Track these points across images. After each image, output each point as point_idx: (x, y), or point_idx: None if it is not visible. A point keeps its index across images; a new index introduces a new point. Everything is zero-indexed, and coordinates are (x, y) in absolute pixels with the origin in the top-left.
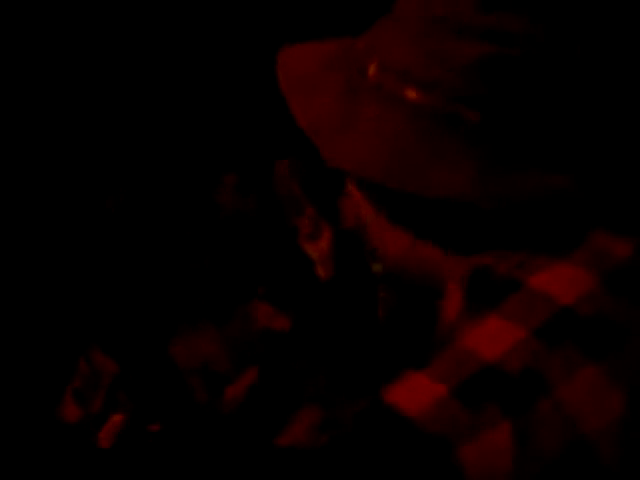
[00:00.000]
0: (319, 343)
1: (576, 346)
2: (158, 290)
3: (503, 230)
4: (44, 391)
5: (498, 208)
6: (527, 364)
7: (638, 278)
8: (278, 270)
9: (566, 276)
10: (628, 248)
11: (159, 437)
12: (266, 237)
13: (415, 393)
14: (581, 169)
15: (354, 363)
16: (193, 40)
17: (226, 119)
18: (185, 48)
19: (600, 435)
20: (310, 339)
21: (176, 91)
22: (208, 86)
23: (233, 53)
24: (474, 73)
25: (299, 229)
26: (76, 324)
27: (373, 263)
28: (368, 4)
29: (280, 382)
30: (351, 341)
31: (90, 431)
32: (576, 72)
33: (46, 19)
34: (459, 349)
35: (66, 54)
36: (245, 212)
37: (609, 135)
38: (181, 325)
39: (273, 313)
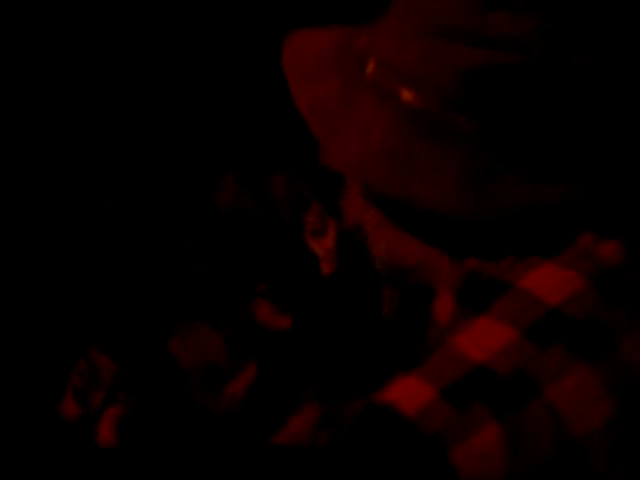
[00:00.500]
0: (320, 342)
1: (566, 347)
2: (158, 289)
3: (493, 236)
4: (44, 390)
5: (481, 222)
6: (517, 365)
7: (626, 280)
8: (278, 268)
9: (555, 278)
10: (616, 250)
11: (158, 435)
12: (265, 235)
13: (407, 394)
14: (575, 179)
15: (354, 362)
16: (192, 40)
17: (225, 118)
18: (184, 48)
19: (590, 437)
20: (311, 338)
21: (175, 91)
22: (207, 86)
23: (233, 52)
24: (470, 79)
25: (305, 225)
26: (76, 323)
27: (376, 261)
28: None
29: (279, 380)
30: (352, 339)
31: (90, 429)
32: (573, 80)
33: (46, 19)
34: (449, 350)
35: (66, 54)
36: (244, 211)
37: (604, 145)
38: (181, 324)
39: (274, 311)
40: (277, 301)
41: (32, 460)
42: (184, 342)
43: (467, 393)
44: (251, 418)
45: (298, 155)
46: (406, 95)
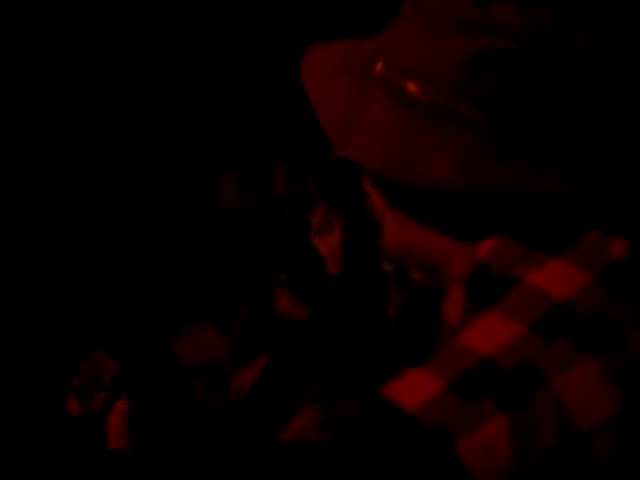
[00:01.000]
0: (332, 336)
1: (573, 342)
2: (161, 290)
3: (502, 219)
4: (47, 390)
5: (483, 198)
6: (524, 359)
7: (632, 276)
8: (286, 266)
9: (562, 273)
10: (623, 247)
11: (161, 434)
12: (267, 234)
13: (413, 389)
14: (577, 167)
15: (359, 359)
16: (194, 40)
17: (226, 117)
18: (186, 48)
19: (595, 430)
20: (325, 331)
21: (177, 90)
22: (208, 85)
23: (234, 52)
24: (472, 66)
25: (310, 224)
26: (79, 324)
27: (385, 261)
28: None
29: (285, 377)
30: (358, 338)
31: (93, 428)
32: (574, 67)
33: (46, 19)
34: (456, 345)
35: (66, 54)
36: (246, 209)
37: (606, 133)
38: (185, 324)
39: (293, 302)
40: (297, 293)
41: (35, 459)
42: (188, 344)
43: (475, 387)
44: (255, 415)
45: (303, 154)
46: (412, 88)
